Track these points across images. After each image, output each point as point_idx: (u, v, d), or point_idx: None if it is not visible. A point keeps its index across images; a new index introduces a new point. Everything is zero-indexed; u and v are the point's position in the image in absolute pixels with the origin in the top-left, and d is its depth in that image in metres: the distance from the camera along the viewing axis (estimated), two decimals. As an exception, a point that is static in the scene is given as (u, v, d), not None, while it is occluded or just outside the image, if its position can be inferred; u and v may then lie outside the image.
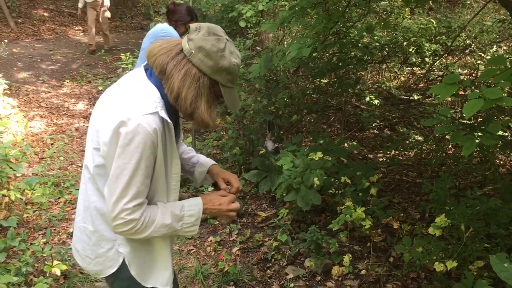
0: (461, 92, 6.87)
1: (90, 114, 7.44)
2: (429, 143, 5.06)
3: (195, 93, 1.51)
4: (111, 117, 1.49)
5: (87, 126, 6.85)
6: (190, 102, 1.50)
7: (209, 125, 1.58)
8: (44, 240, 3.74)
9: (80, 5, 9.95)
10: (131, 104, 1.49)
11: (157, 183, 1.59)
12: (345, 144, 4.83)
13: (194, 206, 1.68)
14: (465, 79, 6.14)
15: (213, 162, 1.97)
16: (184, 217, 1.64)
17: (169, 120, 1.53)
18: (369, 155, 5.51)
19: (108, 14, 10.12)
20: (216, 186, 1.93)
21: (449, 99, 6.10)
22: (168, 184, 1.65)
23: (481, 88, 1.83)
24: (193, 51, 1.49)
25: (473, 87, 4.67)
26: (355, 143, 5.25)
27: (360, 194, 3.71)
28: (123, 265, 1.67)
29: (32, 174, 5.00)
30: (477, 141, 2.18)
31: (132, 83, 1.59)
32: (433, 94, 5.77)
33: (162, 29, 3.62)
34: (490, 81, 2.62)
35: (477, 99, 1.77)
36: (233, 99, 1.61)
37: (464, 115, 2.49)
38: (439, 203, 3.19)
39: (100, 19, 10.02)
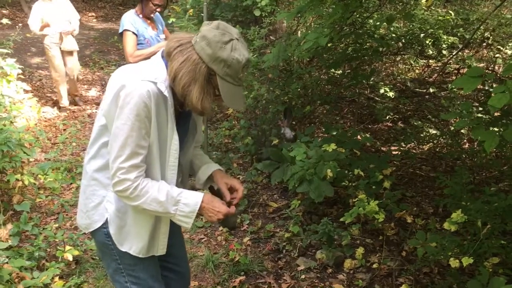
0: (479, 86, 6.78)
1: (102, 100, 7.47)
2: (444, 137, 5.00)
3: (191, 78, 1.60)
4: (116, 82, 1.62)
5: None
6: (184, 85, 1.60)
7: (199, 112, 1.69)
8: (57, 225, 3.76)
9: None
10: (135, 72, 1.65)
11: (151, 151, 1.67)
12: (358, 136, 4.78)
13: (192, 198, 1.73)
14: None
15: (219, 167, 2.01)
16: (179, 203, 1.70)
17: (166, 94, 1.64)
18: (382, 148, 5.45)
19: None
20: (212, 191, 1.93)
21: (462, 93, 6.02)
22: (166, 159, 1.73)
23: (506, 82, 1.78)
24: (197, 40, 1.60)
25: (489, 81, 4.60)
26: (368, 135, 5.20)
27: (374, 187, 3.68)
28: (106, 222, 1.80)
29: (45, 159, 5.02)
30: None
31: (147, 60, 1.74)
32: (450, 87, 5.69)
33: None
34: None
35: (503, 93, 1.72)
36: (232, 95, 1.66)
37: (485, 109, 2.43)
38: (455, 198, 3.14)
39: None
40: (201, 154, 2.07)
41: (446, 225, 2.78)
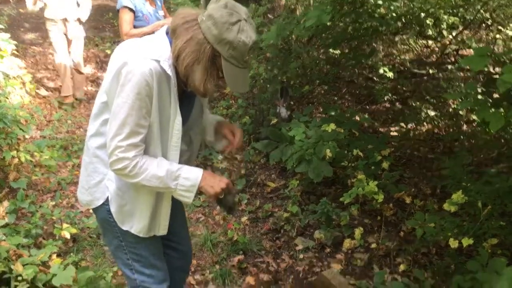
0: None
1: (97, 78, 7.36)
2: (443, 118, 4.98)
3: (194, 58, 1.55)
4: (119, 59, 1.58)
5: (95, 90, 6.79)
6: (187, 65, 1.56)
7: (202, 94, 1.66)
8: (53, 203, 3.73)
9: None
10: (138, 49, 1.59)
11: (152, 131, 1.64)
12: (357, 117, 4.76)
13: (192, 173, 1.70)
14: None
15: (222, 119, 2.06)
16: (179, 177, 1.67)
17: (169, 73, 1.59)
18: (380, 129, 5.44)
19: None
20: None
21: (462, 74, 5.99)
22: (169, 139, 1.70)
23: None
24: (204, 18, 1.54)
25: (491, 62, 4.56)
26: (366, 116, 5.18)
27: (373, 167, 3.67)
28: (108, 200, 1.78)
29: (40, 136, 4.96)
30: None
31: (151, 36, 1.69)
32: (457, 65, 5.66)
33: None
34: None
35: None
36: (235, 78, 1.62)
37: (488, 90, 2.41)
38: (455, 180, 3.14)
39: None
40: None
41: (446, 206, 2.78)
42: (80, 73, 6.26)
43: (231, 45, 1.53)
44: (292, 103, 5.18)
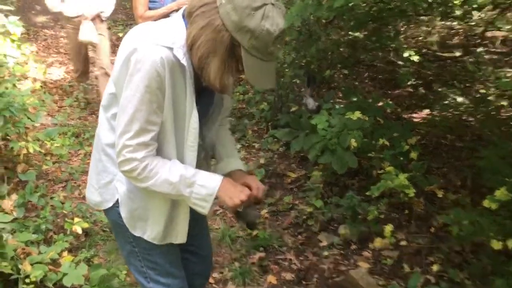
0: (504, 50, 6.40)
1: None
2: (471, 104, 4.72)
3: (210, 48, 1.34)
4: (128, 45, 1.38)
5: (108, 75, 6.59)
6: (201, 56, 1.36)
7: (218, 90, 1.45)
8: (64, 193, 3.57)
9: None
10: (150, 34, 1.39)
11: (165, 128, 1.44)
12: (380, 103, 4.51)
13: (210, 180, 1.48)
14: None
15: (240, 167, 1.73)
16: (194, 184, 1.46)
17: (184, 62, 1.38)
18: (403, 115, 5.19)
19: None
20: None
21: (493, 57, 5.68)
22: (185, 138, 1.49)
23: None
24: (223, 2, 1.31)
25: None
26: (390, 102, 4.93)
27: (401, 158, 3.44)
28: (118, 203, 1.60)
29: (52, 124, 4.80)
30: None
31: (166, 20, 1.48)
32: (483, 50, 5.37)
33: None
34: None
35: None
36: (257, 73, 1.39)
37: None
38: (493, 172, 2.90)
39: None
40: (227, 139, 1.81)
41: (486, 203, 2.54)
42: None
43: (252, 34, 1.30)
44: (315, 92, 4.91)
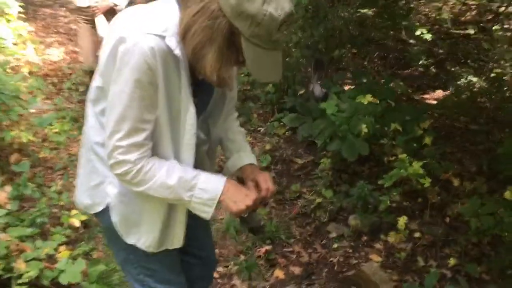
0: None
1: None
2: (487, 85, 4.52)
3: (206, 36, 1.16)
4: (116, 32, 1.20)
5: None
6: (196, 45, 1.18)
7: (216, 84, 1.27)
8: (62, 182, 3.43)
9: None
10: (139, 20, 1.22)
11: (159, 126, 1.28)
12: (392, 84, 4.30)
13: (211, 183, 1.32)
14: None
15: (252, 161, 1.58)
16: (195, 187, 1.31)
17: (177, 52, 1.20)
18: (414, 97, 4.99)
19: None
20: (241, 182, 1.51)
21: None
22: (180, 136, 1.33)
23: None
24: None
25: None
26: (401, 83, 4.74)
27: (415, 144, 3.27)
28: (108, 207, 1.45)
29: (48, 110, 4.61)
30: None
31: (157, 2, 1.28)
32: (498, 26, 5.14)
33: None
34: None
35: None
36: (260, 64, 1.20)
37: None
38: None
39: None
40: (236, 132, 1.65)
41: (508, 195, 2.40)
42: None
43: (253, 20, 1.11)
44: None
